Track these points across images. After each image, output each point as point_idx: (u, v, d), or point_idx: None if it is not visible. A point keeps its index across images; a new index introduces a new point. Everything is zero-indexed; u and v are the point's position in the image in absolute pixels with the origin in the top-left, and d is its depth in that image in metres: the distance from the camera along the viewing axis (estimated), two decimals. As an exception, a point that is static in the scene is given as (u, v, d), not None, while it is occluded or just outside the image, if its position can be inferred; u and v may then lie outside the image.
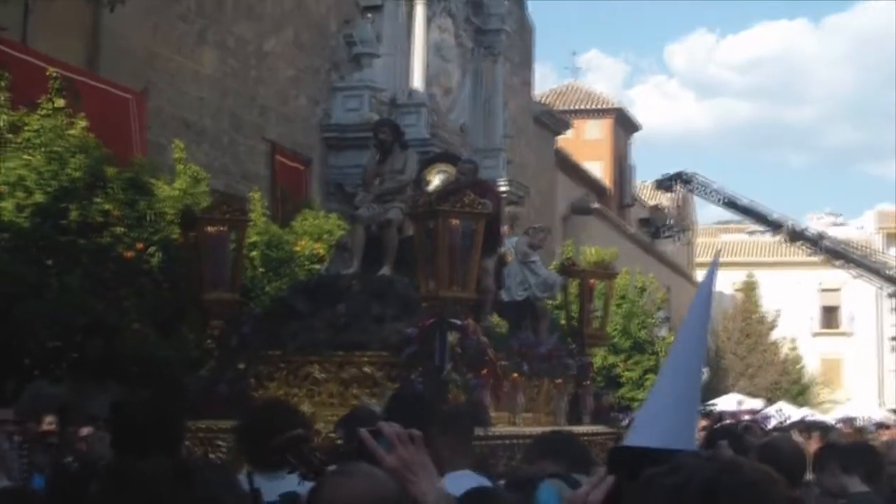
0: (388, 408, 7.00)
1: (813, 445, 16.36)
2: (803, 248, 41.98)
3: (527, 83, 42.55)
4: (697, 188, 38.71)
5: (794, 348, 64.75)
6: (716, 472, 2.34)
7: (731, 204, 39.56)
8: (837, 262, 41.60)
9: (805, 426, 23.66)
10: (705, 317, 3.67)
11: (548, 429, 10.95)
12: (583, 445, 7.02)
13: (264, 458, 6.06)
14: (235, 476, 4.39)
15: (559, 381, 15.36)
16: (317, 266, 19.00)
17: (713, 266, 4.04)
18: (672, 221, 39.06)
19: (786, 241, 40.84)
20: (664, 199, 66.91)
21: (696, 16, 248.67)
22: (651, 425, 3.24)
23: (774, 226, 40.00)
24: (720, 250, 51.80)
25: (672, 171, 48.50)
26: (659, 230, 40.00)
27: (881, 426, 32.80)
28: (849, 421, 37.44)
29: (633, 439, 3.30)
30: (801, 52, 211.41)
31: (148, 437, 5.31)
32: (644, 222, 40.94)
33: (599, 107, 57.78)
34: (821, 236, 41.38)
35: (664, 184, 38.93)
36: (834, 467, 7.79)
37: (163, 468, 2.98)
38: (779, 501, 2.31)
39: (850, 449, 8.64)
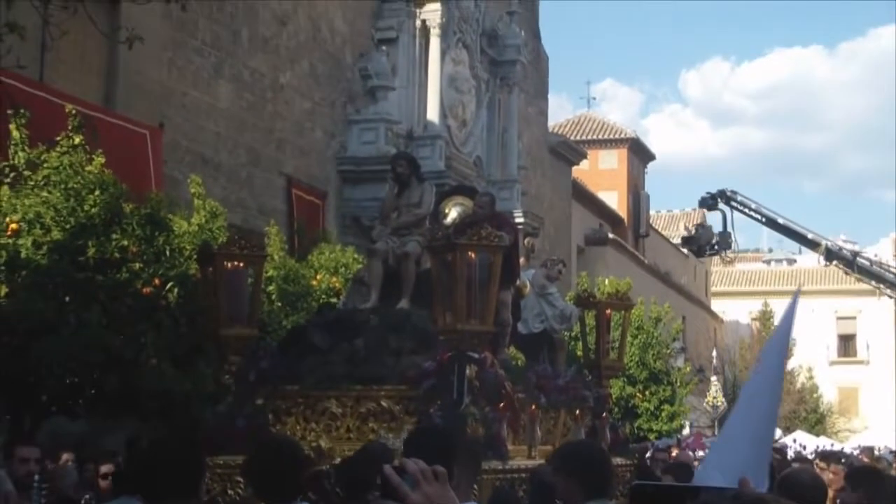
0: (410, 442, 6.98)
1: (829, 476, 16.29)
2: (838, 267, 41.90)
3: (542, 114, 42.65)
4: (738, 206, 38.68)
5: (810, 377, 64.64)
6: None
7: (771, 222, 39.52)
8: (873, 283, 41.47)
9: (823, 456, 23.51)
10: (783, 353, 3.63)
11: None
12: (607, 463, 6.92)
13: (274, 493, 6.09)
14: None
15: (576, 412, 15.32)
16: (334, 300, 19.01)
17: (794, 299, 3.95)
18: (717, 238, 39.00)
19: (822, 260, 40.70)
20: (681, 225, 66.86)
21: (710, 43, 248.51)
22: (722, 465, 3.21)
23: (812, 244, 39.91)
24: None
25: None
26: (703, 248, 39.83)
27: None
28: (867, 450, 37.24)
29: (701, 478, 3.27)
30: (815, 79, 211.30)
31: (167, 479, 5.29)
32: (687, 240, 40.81)
33: (614, 136, 57.86)
34: (855, 255, 41.24)
35: (706, 202, 38.84)
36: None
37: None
38: None
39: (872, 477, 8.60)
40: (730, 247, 40.02)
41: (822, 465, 17.29)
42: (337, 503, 5.03)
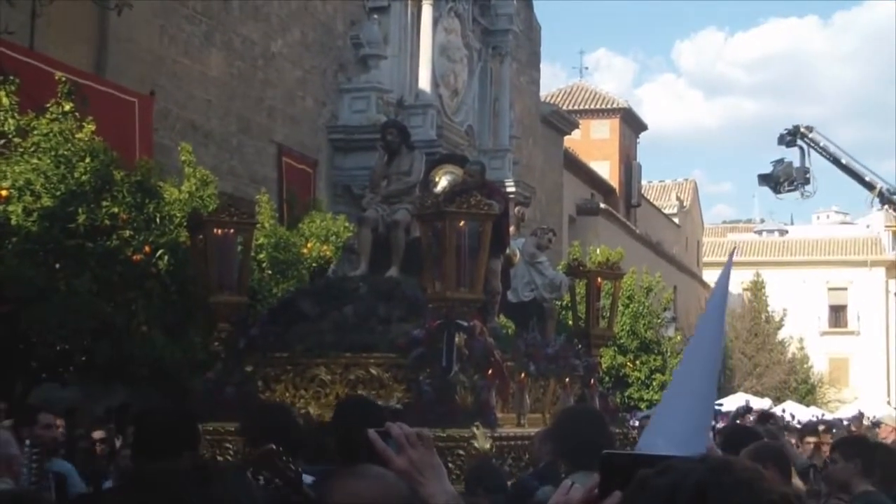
0: (337, 414, 6.92)
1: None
2: (889, 211, 41.81)
3: (534, 83, 42.57)
4: (813, 143, 38.38)
5: (801, 347, 64.77)
6: (707, 472, 2.35)
7: (836, 161, 39.28)
8: None
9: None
10: (721, 317, 3.65)
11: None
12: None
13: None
14: (249, 478, 4.42)
15: (566, 381, 15.37)
16: (324, 268, 19.03)
17: (727, 264, 4.00)
18: (795, 174, 38.47)
19: (875, 202, 40.43)
20: (673, 196, 66.85)
21: (705, 14, 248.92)
22: (664, 431, 3.23)
23: (868, 186, 39.64)
24: (735, 248, 51.58)
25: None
26: (780, 184, 39.20)
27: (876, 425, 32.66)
28: (858, 419, 37.35)
29: (645, 445, 3.29)
30: (809, 50, 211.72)
31: (167, 441, 5.36)
32: (765, 178, 40.08)
33: (606, 106, 57.82)
34: None
35: (784, 139, 38.53)
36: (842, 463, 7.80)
37: (181, 469, 3.00)
38: (771, 498, 2.33)
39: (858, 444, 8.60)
40: (808, 182, 39.47)
41: (811, 439, 17.34)
42: (293, 478, 5.03)
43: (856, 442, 8.89)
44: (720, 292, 3.72)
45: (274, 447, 5.24)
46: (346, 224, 21.09)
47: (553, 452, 6.88)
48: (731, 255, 4.32)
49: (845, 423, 33.82)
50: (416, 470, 3.39)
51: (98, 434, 13.17)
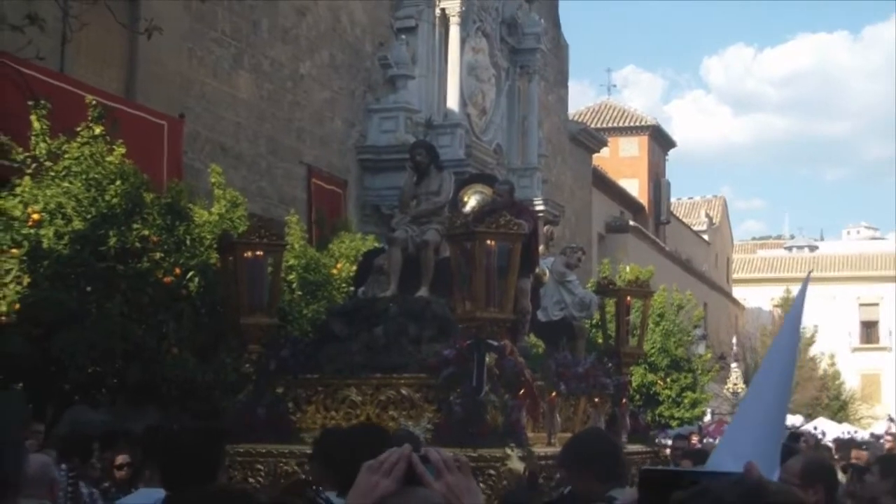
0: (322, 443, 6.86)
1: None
2: None
3: (562, 101, 42.62)
4: None
5: (832, 364, 64.51)
6: (741, 495, 2.36)
7: None
8: None
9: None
10: (795, 339, 3.64)
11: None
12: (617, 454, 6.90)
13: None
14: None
15: (596, 400, 15.36)
16: (353, 289, 19.06)
17: (803, 287, 3.96)
18: None
19: None
20: (702, 213, 66.79)
21: (734, 29, 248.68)
22: (735, 450, 3.23)
23: None
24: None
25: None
26: None
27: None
28: (894, 435, 37.15)
29: (716, 463, 3.30)
30: (838, 65, 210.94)
31: (185, 467, 5.38)
32: None
33: (635, 124, 57.78)
34: None
35: None
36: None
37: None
38: None
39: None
40: None
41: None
42: None
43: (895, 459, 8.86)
44: (795, 314, 3.71)
45: (302, 477, 5.26)
46: (376, 244, 21.12)
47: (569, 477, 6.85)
48: (807, 277, 4.28)
49: (881, 441, 33.65)
50: (453, 494, 3.40)
51: (122, 458, 13.19)
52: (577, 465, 6.40)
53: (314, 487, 5.12)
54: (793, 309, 3.76)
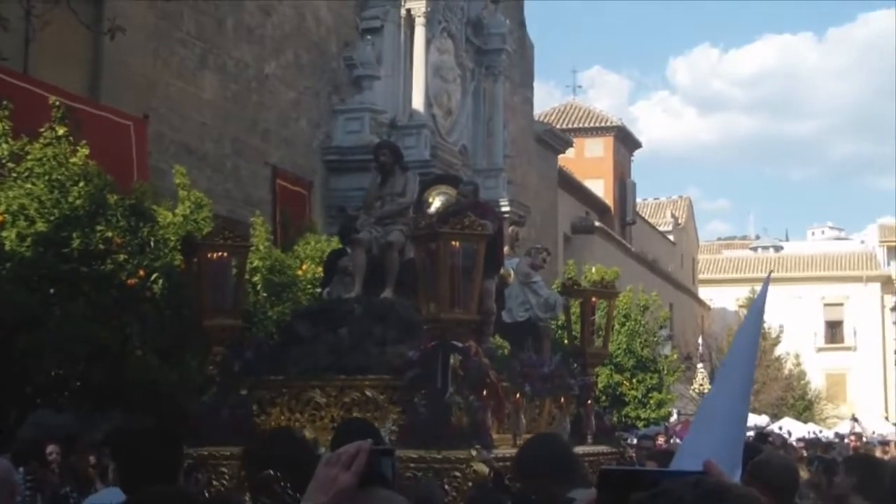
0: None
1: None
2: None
3: (528, 102, 42.65)
4: None
5: (798, 364, 64.76)
6: (699, 497, 2.35)
7: None
8: None
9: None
10: (755, 341, 3.65)
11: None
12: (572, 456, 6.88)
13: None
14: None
15: (562, 401, 15.36)
16: (319, 290, 19.03)
17: (763, 289, 3.97)
18: None
19: None
20: (668, 213, 66.98)
21: (699, 30, 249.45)
22: (697, 451, 3.23)
23: None
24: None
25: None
26: None
27: (882, 443, 32.74)
28: (858, 435, 37.41)
29: (679, 463, 3.30)
30: (803, 66, 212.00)
31: (143, 469, 5.39)
32: None
33: (600, 124, 57.87)
34: None
35: None
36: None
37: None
38: None
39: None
40: None
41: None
42: (291, 502, 5.04)
43: (860, 458, 8.89)
44: (755, 317, 3.72)
45: (270, 473, 5.25)
46: (341, 245, 21.07)
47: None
48: (767, 278, 4.28)
49: (846, 440, 33.86)
50: None
51: (93, 459, 13.13)
52: (530, 471, 6.38)
53: (283, 483, 5.10)
54: (753, 308, 3.77)
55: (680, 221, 68.61)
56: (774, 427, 39.76)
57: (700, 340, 57.45)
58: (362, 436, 6.36)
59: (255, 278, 18.57)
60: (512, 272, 17.18)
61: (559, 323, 20.84)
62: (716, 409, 3.48)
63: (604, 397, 31.26)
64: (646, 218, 63.80)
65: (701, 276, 73.95)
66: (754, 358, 3.68)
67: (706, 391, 45.43)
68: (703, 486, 2.40)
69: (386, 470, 3.36)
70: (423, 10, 29.54)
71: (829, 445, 23.02)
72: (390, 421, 12.72)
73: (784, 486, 6.75)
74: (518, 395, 13.97)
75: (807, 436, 35.92)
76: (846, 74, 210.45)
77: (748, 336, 3.66)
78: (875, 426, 47.92)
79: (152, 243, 15.80)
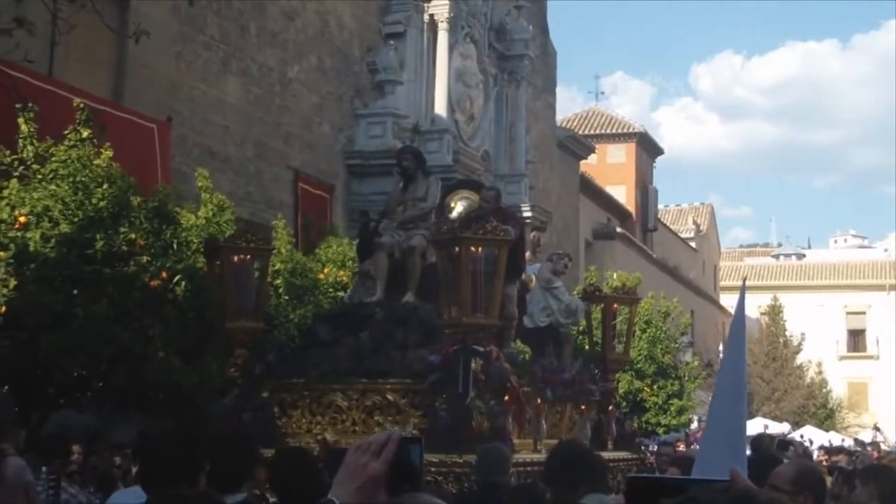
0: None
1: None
2: None
3: (550, 108, 42.63)
4: None
5: (819, 372, 64.56)
6: (731, 503, 2.37)
7: None
8: None
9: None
10: (742, 347, 3.69)
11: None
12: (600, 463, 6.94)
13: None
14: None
15: (583, 406, 15.37)
16: (340, 293, 19.05)
17: (741, 295, 4.03)
18: None
19: None
20: (690, 220, 66.87)
21: (722, 37, 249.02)
22: (705, 457, 3.27)
23: None
24: (746, 276, 51.73)
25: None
26: None
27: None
28: (876, 444, 37.30)
29: (698, 471, 3.34)
30: (827, 74, 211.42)
31: (170, 468, 5.41)
32: None
33: (622, 131, 57.80)
34: None
35: None
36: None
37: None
38: None
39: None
40: None
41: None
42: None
43: (878, 469, 8.86)
44: (738, 324, 3.76)
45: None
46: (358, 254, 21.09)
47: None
48: (742, 284, 4.35)
49: (867, 448, 33.75)
50: None
51: (118, 460, 13.21)
52: (553, 477, 6.44)
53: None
54: (734, 320, 3.83)
55: (702, 228, 68.48)
56: (795, 435, 39.61)
57: (721, 347, 57.21)
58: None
59: (277, 281, 18.59)
60: (533, 277, 17.19)
61: (580, 328, 20.84)
62: (719, 418, 3.52)
63: (624, 403, 31.18)
64: (667, 224, 63.70)
65: (722, 283, 73.76)
66: (744, 365, 3.72)
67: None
68: (733, 492, 2.43)
69: (415, 458, 3.37)
70: (447, 15, 29.57)
71: (852, 454, 22.95)
72: (411, 424, 12.77)
73: (821, 493, 6.78)
74: (539, 401, 13.99)
75: (828, 444, 35.78)
76: (869, 83, 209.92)
77: (735, 346, 3.71)
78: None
79: (175, 246, 15.82)
